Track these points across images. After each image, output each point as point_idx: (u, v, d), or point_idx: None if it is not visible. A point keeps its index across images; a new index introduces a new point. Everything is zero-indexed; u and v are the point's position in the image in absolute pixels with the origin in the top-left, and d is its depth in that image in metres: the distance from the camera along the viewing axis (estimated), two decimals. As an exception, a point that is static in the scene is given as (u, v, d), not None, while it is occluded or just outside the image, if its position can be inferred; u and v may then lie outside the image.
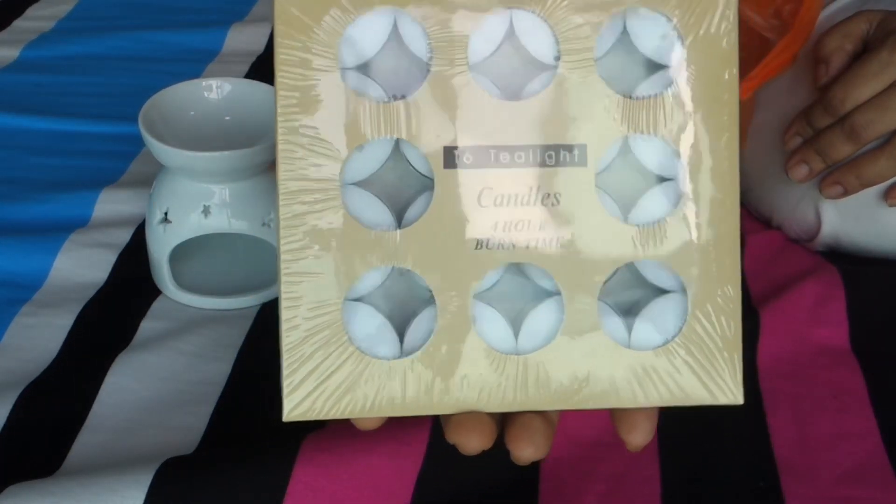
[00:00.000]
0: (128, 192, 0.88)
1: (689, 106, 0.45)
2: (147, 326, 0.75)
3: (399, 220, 0.45)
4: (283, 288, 0.47)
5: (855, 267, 0.79)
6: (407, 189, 0.45)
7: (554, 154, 0.45)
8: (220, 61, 1.11)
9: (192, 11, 1.21)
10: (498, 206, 0.44)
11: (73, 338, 0.74)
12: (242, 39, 1.14)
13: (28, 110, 1.00)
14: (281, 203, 0.45)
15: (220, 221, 0.75)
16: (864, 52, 0.76)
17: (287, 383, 0.47)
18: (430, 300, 0.45)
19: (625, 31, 0.45)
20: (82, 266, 0.80)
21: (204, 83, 0.79)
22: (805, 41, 0.82)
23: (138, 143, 0.86)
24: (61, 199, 0.87)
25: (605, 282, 0.45)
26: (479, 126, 0.44)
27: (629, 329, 0.46)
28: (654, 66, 0.45)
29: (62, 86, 1.05)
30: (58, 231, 0.83)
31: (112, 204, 0.87)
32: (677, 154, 0.45)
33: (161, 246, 0.76)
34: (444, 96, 0.44)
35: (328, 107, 0.44)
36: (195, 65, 1.10)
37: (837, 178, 0.76)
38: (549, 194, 0.45)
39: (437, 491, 0.61)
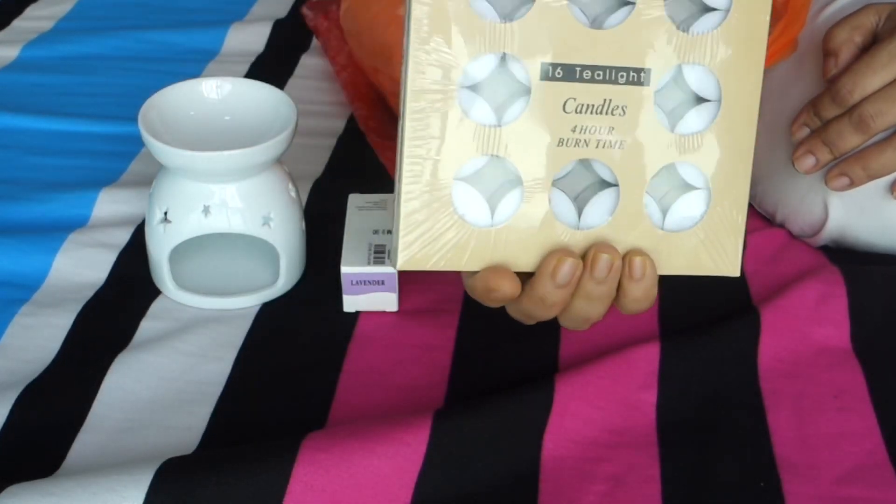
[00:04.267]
0: (127, 191, 0.88)
1: (731, 43, 0.57)
2: (147, 326, 0.75)
3: (500, 119, 0.56)
4: (405, 167, 0.55)
5: (856, 266, 0.79)
6: (508, 94, 0.56)
7: (625, 74, 0.56)
8: (220, 61, 1.11)
9: (192, 11, 1.21)
10: (578, 113, 0.56)
11: (73, 338, 0.74)
12: (242, 39, 1.14)
13: (27, 110, 1.00)
14: (409, 99, 0.54)
15: (220, 221, 0.75)
16: (872, 44, 0.76)
17: (403, 242, 0.56)
18: (517, 183, 0.56)
19: None
20: (82, 266, 0.80)
21: (204, 83, 0.79)
22: (801, 26, 0.82)
23: (138, 142, 0.86)
24: (61, 198, 0.87)
25: (652, 177, 0.58)
26: (570, 47, 0.55)
27: (664, 215, 0.59)
28: (707, 8, 0.57)
29: (61, 86, 1.05)
30: (57, 231, 0.83)
31: (112, 204, 0.86)
32: (717, 82, 0.57)
33: (161, 246, 0.76)
34: (545, 21, 0.55)
35: (453, 24, 0.54)
36: (195, 65, 1.10)
37: (843, 169, 0.76)
38: (617, 106, 0.56)
39: (437, 491, 0.61)
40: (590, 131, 0.56)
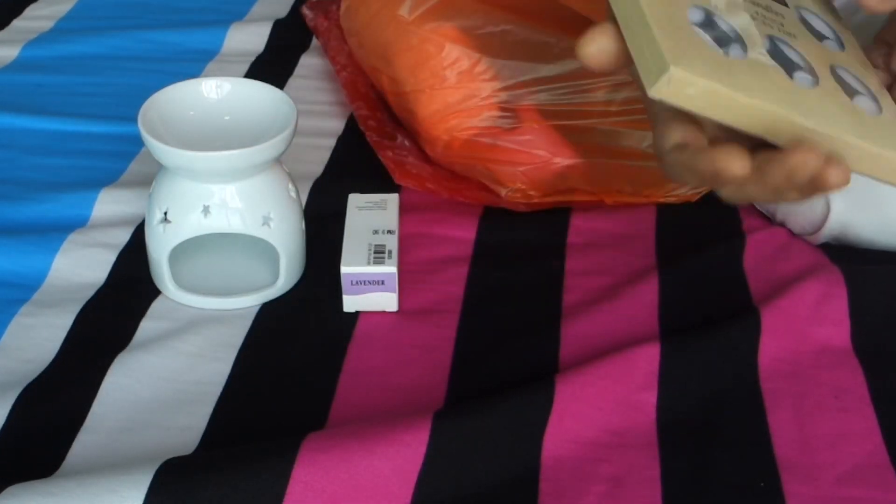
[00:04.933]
0: (127, 192, 0.88)
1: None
2: (147, 326, 0.75)
3: None
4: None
5: (856, 266, 0.79)
6: None
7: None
8: (220, 61, 1.11)
9: (192, 11, 1.21)
10: (752, 4, 0.63)
11: (73, 338, 0.74)
12: (242, 39, 1.14)
13: (27, 110, 1.00)
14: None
15: (220, 221, 0.75)
16: None
17: (669, 50, 0.56)
18: (737, 38, 0.59)
19: None
20: (81, 266, 0.80)
21: (203, 83, 0.79)
22: None
23: (138, 142, 0.86)
24: (60, 199, 0.87)
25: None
26: None
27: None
28: None
29: (61, 86, 1.05)
30: (57, 231, 0.83)
31: (111, 204, 0.86)
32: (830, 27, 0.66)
33: (161, 246, 0.76)
34: None
35: None
36: (194, 64, 1.09)
37: None
38: (777, 12, 0.65)
39: (437, 491, 0.61)
40: (768, 18, 0.63)
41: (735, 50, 0.60)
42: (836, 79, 0.63)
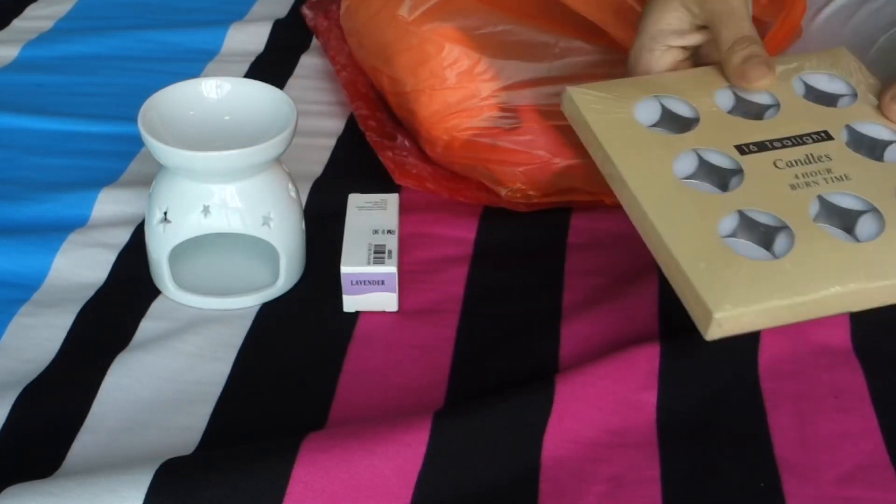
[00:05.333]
0: (127, 191, 0.88)
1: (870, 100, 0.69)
2: (146, 326, 0.75)
3: (724, 188, 0.63)
4: (666, 241, 0.60)
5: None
6: (721, 176, 0.64)
7: (811, 137, 0.66)
8: (220, 61, 1.11)
9: (192, 11, 1.21)
10: (790, 167, 0.64)
11: (73, 338, 0.74)
12: (242, 39, 1.14)
13: (27, 110, 1.00)
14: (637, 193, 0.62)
15: (220, 221, 0.75)
16: None
17: (710, 299, 0.57)
18: (780, 226, 0.61)
19: None
20: (81, 266, 0.80)
21: (203, 83, 0.79)
22: (802, 11, 0.81)
23: (137, 142, 0.86)
24: (60, 199, 0.87)
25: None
26: (748, 131, 0.66)
27: None
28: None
29: (61, 86, 1.05)
30: (57, 231, 0.83)
31: (111, 204, 0.86)
32: (884, 125, 0.67)
33: (160, 246, 0.76)
34: (715, 121, 0.68)
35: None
36: (194, 64, 1.09)
37: None
38: (822, 156, 0.64)
39: (437, 491, 0.61)
40: (812, 174, 0.63)
41: (782, 241, 0.60)
42: None
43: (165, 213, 0.75)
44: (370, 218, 0.79)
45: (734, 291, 0.57)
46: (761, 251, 0.60)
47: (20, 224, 0.84)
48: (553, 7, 0.83)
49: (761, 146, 0.65)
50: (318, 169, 0.93)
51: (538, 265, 0.81)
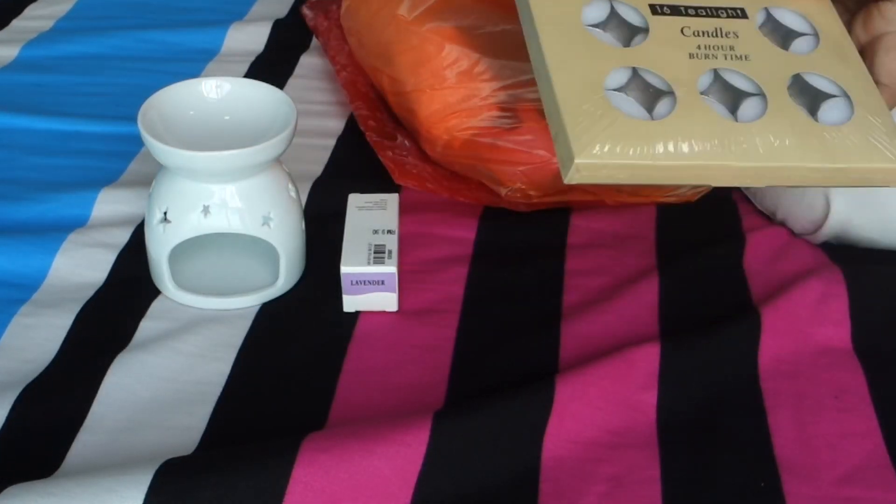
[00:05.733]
0: (127, 191, 0.88)
1: None
2: (146, 326, 0.75)
3: (626, 43, 0.63)
4: (555, 83, 0.61)
5: (857, 266, 0.79)
6: (628, 30, 0.64)
7: (725, 11, 0.66)
8: (220, 61, 1.11)
9: (192, 11, 1.21)
10: (696, 36, 0.64)
11: (73, 338, 0.74)
12: (242, 39, 1.14)
13: (27, 110, 1.00)
14: (540, 31, 0.63)
15: (220, 221, 0.75)
16: None
17: (575, 141, 0.58)
18: (667, 90, 0.61)
19: None
20: (81, 266, 0.80)
21: (203, 83, 0.78)
22: None
23: (137, 142, 0.86)
24: (60, 198, 0.87)
25: (788, 86, 0.63)
26: None
27: (815, 117, 0.62)
28: None
29: (61, 85, 1.05)
30: (57, 231, 0.82)
31: (111, 204, 0.86)
32: (805, 19, 0.67)
33: (160, 246, 0.76)
34: None
35: None
36: (194, 64, 1.09)
37: None
38: (729, 32, 0.65)
39: (437, 491, 0.61)
40: (713, 48, 0.64)
41: (664, 105, 0.61)
42: (799, 90, 0.63)
43: (165, 213, 0.75)
44: (370, 218, 0.79)
45: (600, 141, 0.58)
46: (641, 110, 0.60)
47: (20, 224, 0.84)
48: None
49: (675, 10, 0.65)
50: (318, 169, 0.93)
51: (538, 265, 0.81)
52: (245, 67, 1.09)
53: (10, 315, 0.75)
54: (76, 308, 0.76)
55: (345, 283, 0.75)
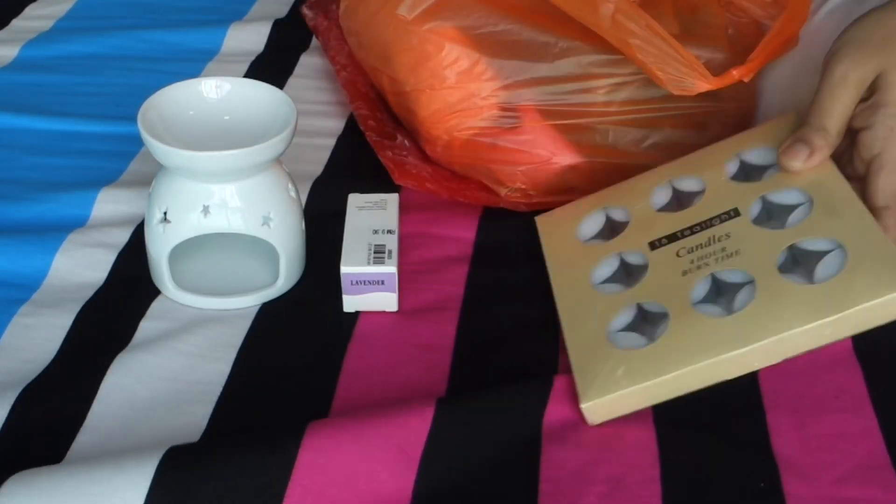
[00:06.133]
0: (127, 191, 0.88)
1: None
2: (146, 326, 0.75)
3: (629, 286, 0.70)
4: (565, 331, 0.70)
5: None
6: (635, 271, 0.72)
7: (719, 218, 0.70)
8: (219, 61, 1.11)
9: (192, 11, 1.21)
10: (690, 253, 0.69)
11: (72, 338, 0.74)
12: (242, 39, 1.14)
13: (26, 110, 1.00)
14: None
15: (220, 221, 0.75)
16: None
17: (581, 385, 0.65)
18: (665, 316, 0.66)
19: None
20: (81, 266, 0.80)
21: (203, 83, 0.78)
22: (802, 21, 0.82)
23: (137, 142, 0.85)
24: (60, 198, 0.87)
25: (780, 262, 0.66)
26: (665, 227, 0.73)
27: (811, 279, 0.64)
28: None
29: (61, 85, 1.05)
30: (56, 231, 0.82)
31: (111, 204, 0.86)
32: (800, 190, 0.70)
33: (160, 246, 0.76)
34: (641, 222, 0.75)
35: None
36: (194, 64, 1.09)
37: None
38: (722, 236, 0.69)
39: (435, 494, 0.61)
40: (706, 257, 0.68)
41: (663, 327, 0.65)
42: (794, 259, 0.66)
43: (165, 213, 0.75)
44: (370, 218, 0.79)
45: (601, 383, 0.64)
46: (642, 339, 0.65)
47: (20, 224, 0.84)
48: (553, 7, 0.83)
49: (672, 238, 0.71)
50: (317, 169, 0.93)
51: (538, 265, 0.81)
52: (245, 67, 1.09)
53: (9, 315, 0.75)
54: (76, 308, 0.76)
55: (345, 283, 0.75)
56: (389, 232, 0.78)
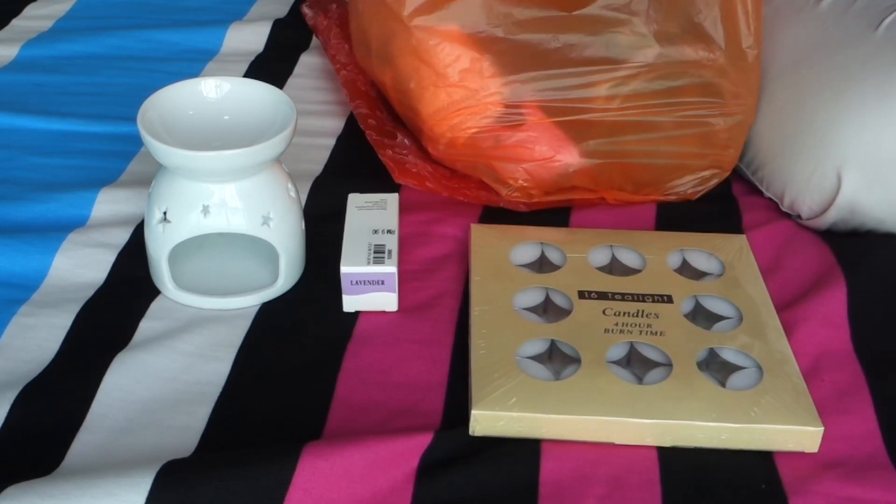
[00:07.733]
0: (126, 191, 0.87)
1: (733, 282, 0.77)
2: (146, 326, 0.75)
3: (550, 321, 0.72)
4: (472, 348, 0.70)
5: (857, 267, 0.79)
6: (556, 312, 0.74)
7: (653, 297, 0.74)
8: (219, 61, 1.11)
9: (192, 11, 1.21)
10: (617, 315, 0.72)
11: (72, 338, 0.74)
12: (241, 39, 1.14)
13: (26, 110, 1.00)
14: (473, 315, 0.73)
15: (220, 221, 0.74)
16: None
17: (477, 396, 0.66)
18: (576, 360, 0.68)
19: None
20: (81, 266, 0.80)
21: (203, 83, 0.78)
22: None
23: (137, 142, 0.86)
24: (60, 198, 0.87)
25: (699, 360, 0.68)
26: (601, 284, 0.76)
27: (723, 385, 0.67)
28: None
29: (61, 85, 1.05)
30: (56, 231, 0.82)
31: (111, 204, 0.86)
32: (731, 304, 0.74)
33: (160, 246, 0.76)
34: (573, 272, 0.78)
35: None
36: (194, 64, 1.09)
37: None
38: (651, 313, 0.72)
39: (435, 498, 0.61)
40: (630, 325, 0.71)
41: (570, 370, 0.67)
42: (711, 361, 0.69)
43: (165, 213, 0.75)
44: (370, 218, 0.79)
45: (497, 397, 0.64)
46: (548, 373, 0.67)
47: (19, 224, 0.84)
48: (554, 3, 0.83)
49: (602, 295, 0.74)
50: (317, 168, 0.93)
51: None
52: (245, 67, 1.09)
53: (9, 315, 0.75)
54: (76, 308, 0.76)
55: (345, 283, 0.75)
56: (389, 232, 0.78)
